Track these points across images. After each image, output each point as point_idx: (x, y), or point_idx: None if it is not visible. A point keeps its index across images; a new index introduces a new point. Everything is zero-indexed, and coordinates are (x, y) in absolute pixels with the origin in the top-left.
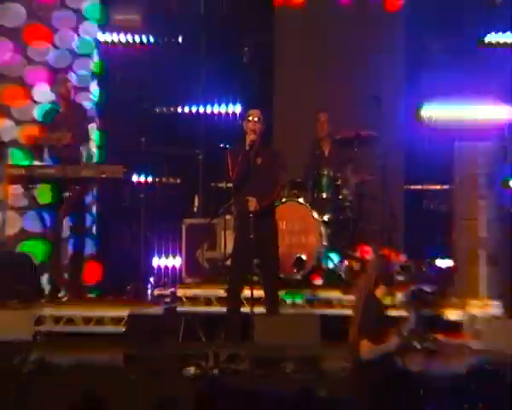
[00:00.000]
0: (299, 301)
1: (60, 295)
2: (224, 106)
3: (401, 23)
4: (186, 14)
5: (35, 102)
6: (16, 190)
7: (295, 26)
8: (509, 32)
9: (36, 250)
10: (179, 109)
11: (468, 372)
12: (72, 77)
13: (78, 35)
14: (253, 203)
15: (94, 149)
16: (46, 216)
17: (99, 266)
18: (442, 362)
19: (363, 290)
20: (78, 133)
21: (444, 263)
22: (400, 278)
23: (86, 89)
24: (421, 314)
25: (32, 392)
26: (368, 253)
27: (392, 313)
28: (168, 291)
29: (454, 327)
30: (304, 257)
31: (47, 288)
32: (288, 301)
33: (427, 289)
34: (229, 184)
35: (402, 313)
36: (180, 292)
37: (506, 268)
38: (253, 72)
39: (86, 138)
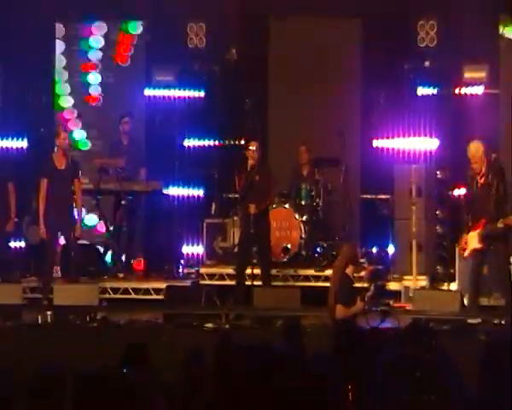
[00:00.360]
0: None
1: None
2: (231, 139)
3: (358, 79)
4: (206, 74)
5: None
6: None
7: (286, 77)
8: (432, 87)
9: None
10: (201, 142)
11: (407, 327)
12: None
13: None
14: (252, 208)
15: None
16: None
17: (144, 260)
18: (391, 320)
19: (338, 269)
20: (135, 159)
21: (389, 250)
22: (362, 260)
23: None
24: (378, 286)
25: (99, 341)
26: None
27: (358, 285)
28: (194, 270)
29: (395, 295)
30: (289, 246)
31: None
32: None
33: (380, 267)
34: (236, 195)
35: (364, 285)
36: (202, 271)
37: (430, 253)
38: (253, 115)
39: (141, 162)
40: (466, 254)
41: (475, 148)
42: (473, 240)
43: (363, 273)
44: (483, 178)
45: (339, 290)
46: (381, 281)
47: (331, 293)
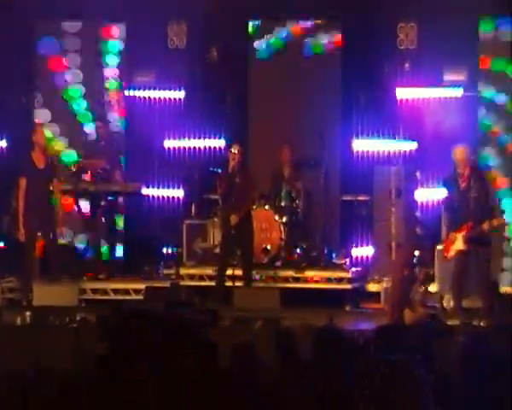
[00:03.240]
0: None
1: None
2: (212, 141)
3: (338, 80)
4: (186, 75)
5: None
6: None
7: (265, 78)
8: (412, 87)
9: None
10: (181, 143)
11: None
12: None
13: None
14: (233, 219)
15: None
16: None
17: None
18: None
19: (398, 274)
20: (111, 160)
21: (367, 251)
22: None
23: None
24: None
25: (79, 340)
26: None
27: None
28: (173, 271)
29: (374, 297)
30: (269, 247)
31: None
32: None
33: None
34: (216, 196)
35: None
36: (182, 271)
37: (408, 254)
38: (234, 116)
39: (117, 164)
40: (449, 255)
41: (461, 152)
42: (457, 242)
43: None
44: (465, 183)
45: (402, 295)
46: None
47: (392, 297)
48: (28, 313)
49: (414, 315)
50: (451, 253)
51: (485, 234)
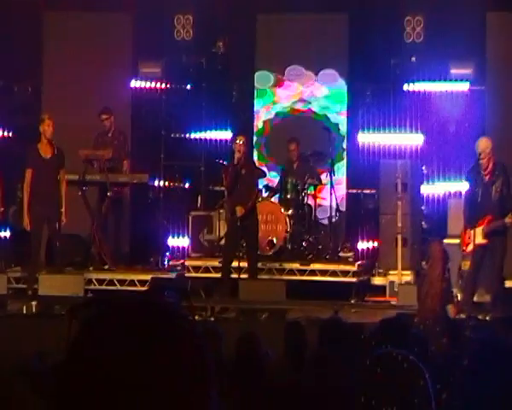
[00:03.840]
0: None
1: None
2: (218, 132)
3: (345, 74)
4: (193, 66)
5: None
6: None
7: (273, 70)
8: (419, 81)
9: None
10: (187, 135)
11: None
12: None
13: None
14: (239, 210)
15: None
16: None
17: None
18: None
19: (437, 269)
20: (118, 151)
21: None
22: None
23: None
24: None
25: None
26: None
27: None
28: (179, 262)
29: (380, 290)
30: (275, 240)
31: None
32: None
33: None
34: (222, 188)
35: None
36: (187, 263)
37: (414, 248)
38: (240, 109)
39: (124, 155)
40: (469, 249)
41: (485, 144)
42: (478, 236)
43: None
44: (488, 175)
45: (445, 290)
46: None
47: (435, 294)
48: (34, 303)
49: (457, 310)
50: (470, 247)
51: (505, 228)
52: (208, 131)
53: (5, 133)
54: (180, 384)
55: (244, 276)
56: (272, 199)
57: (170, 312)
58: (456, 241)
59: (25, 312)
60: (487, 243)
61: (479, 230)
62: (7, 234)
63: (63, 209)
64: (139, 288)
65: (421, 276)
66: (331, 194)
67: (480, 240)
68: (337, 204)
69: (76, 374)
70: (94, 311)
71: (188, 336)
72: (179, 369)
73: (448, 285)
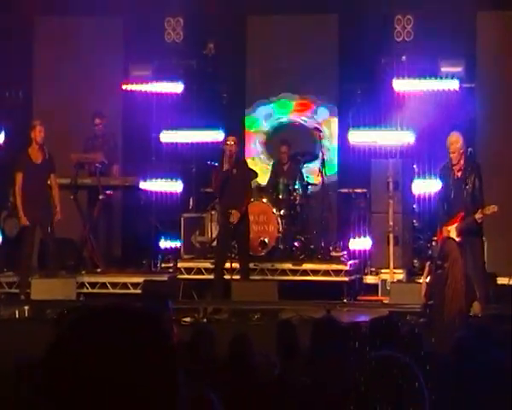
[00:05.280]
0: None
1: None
2: (210, 134)
3: (335, 72)
4: (183, 68)
5: None
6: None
7: (263, 72)
8: (409, 79)
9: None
10: (179, 137)
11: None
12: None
13: None
14: (235, 215)
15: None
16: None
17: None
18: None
19: (459, 267)
20: (109, 155)
21: (363, 243)
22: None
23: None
24: None
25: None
26: None
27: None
28: (171, 264)
29: (372, 289)
30: (267, 240)
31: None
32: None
33: None
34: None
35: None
36: (179, 265)
37: (407, 247)
38: (231, 109)
39: (115, 158)
40: None
41: (455, 138)
42: (452, 234)
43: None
44: (460, 172)
45: (470, 290)
46: None
47: (461, 294)
48: (26, 307)
49: (482, 306)
50: None
51: (477, 224)
52: (199, 133)
53: None
54: (144, 386)
55: (236, 277)
56: (264, 200)
57: (138, 317)
58: None
59: (17, 316)
60: (461, 240)
61: (452, 228)
62: None
63: (58, 208)
64: (132, 291)
65: (437, 276)
66: (322, 194)
67: (454, 238)
68: (328, 204)
69: (52, 372)
70: (72, 317)
71: (155, 340)
72: (143, 371)
73: (470, 283)
